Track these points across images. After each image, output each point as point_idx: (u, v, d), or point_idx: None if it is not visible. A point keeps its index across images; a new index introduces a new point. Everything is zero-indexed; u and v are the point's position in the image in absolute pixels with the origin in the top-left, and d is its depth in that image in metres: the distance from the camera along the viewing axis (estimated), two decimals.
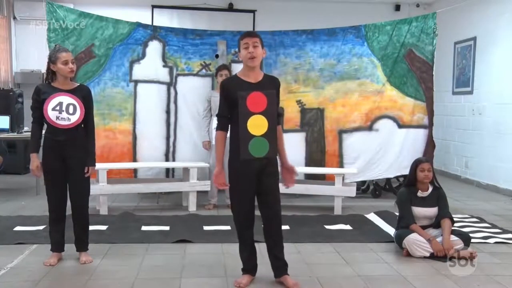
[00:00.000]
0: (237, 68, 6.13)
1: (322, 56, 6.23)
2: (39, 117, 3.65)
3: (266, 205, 3.33)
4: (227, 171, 3.36)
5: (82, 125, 3.73)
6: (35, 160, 3.66)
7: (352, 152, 6.21)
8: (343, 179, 5.73)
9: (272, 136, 3.28)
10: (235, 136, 3.27)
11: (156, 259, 3.90)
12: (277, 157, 3.40)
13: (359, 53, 6.22)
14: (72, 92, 3.68)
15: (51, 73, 3.69)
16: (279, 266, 3.40)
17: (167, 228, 4.78)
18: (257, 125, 3.22)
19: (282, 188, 3.47)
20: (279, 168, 3.44)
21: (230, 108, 3.26)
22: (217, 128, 3.35)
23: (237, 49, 6.04)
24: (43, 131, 3.72)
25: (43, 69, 8.14)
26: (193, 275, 3.58)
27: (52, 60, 3.65)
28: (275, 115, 3.29)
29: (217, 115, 3.38)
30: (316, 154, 6.21)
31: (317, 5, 8.91)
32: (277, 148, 3.33)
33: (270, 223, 3.36)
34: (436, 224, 4.16)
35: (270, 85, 3.31)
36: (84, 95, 3.72)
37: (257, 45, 3.23)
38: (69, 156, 3.66)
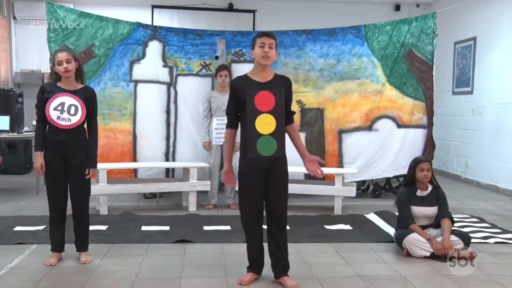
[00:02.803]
0: (237, 68, 6.16)
1: (322, 56, 6.23)
2: (43, 115, 3.66)
3: (272, 206, 3.35)
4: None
5: (85, 126, 3.74)
6: (39, 158, 3.67)
7: (352, 152, 6.21)
8: (343, 179, 5.74)
9: (280, 135, 3.29)
10: (244, 135, 3.31)
11: (156, 259, 3.90)
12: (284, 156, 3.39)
13: (359, 53, 6.22)
14: (75, 93, 3.68)
15: (54, 73, 3.71)
16: (279, 267, 3.41)
17: (167, 228, 4.78)
18: (265, 124, 3.24)
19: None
20: (303, 164, 3.45)
21: (239, 106, 3.30)
22: (226, 126, 3.41)
23: (237, 49, 6.22)
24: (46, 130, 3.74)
25: (43, 69, 8.25)
26: (193, 275, 3.58)
27: (51, 60, 3.68)
28: (283, 114, 3.31)
29: (226, 113, 3.43)
30: (316, 154, 6.10)
31: (317, 5, 8.91)
32: (285, 147, 3.34)
33: (274, 224, 3.37)
34: (436, 224, 4.16)
35: (279, 84, 3.33)
36: (87, 97, 3.72)
37: (272, 47, 3.28)
38: (70, 156, 3.66)
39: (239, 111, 3.32)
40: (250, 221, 3.37)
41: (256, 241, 3.41)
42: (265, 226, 3.41)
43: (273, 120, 3.25)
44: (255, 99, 3.24)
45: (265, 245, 3.45)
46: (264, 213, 3.40)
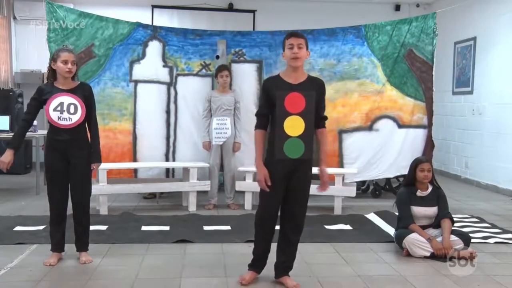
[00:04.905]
0: (236, 68, 6.17)
1: (322, 56, 6.22)
2: (32, 114, 3.67)
3: (290, 208, 3.33)
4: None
5: (86, 124, 3.75)
6: (9, 155, 3.63)
7: (352, 152, 6.20)
8: (343, 179, 5.73)
9: (308, 138, 3.26)
10: (272, 136, 3.29)
11: (156, 259, 3.90)
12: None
13: (359, 53, 6.21)
14: (73, 91, 3.69)
15: (51, 71, 3.71)
16: (282, 268, 3.41)
17: (167, 228, 4.78)
18: (293, 126, 3.22)
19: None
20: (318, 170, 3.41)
21: (270, 107, 3.28)
22: (256, 127, 3.35)
23: (237, 49, 6.22)
24: (45, 131, 3.74)
25: (43, 69, 8.23)
26: (193, 275, 3.58)
27: (54, 57, 3.68)
28: (313, 117, 3.27)
29: (256, 114, 3.38)
30: (316, 154, 6.14)
31: (317, 5, 8.90)
32: (312, 150, 3.30)
33: (290, 227, 3.35)
34: (436, 224, 4.16)
35: (311, 87, 3.29)
36: (85, 94, 3.73)
37: (301, 47, 3.23)
38: (71, 155, 3.67)
39: (271, 112, 3.28)
40: (266, 221, 3.34)
41: (266, 240, 3.39)
42: (277, 227, 3.38)
43: (302, 122, 3.22)
44: (285, 100, 3.21)
45: (272, 245, 3.43)
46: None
